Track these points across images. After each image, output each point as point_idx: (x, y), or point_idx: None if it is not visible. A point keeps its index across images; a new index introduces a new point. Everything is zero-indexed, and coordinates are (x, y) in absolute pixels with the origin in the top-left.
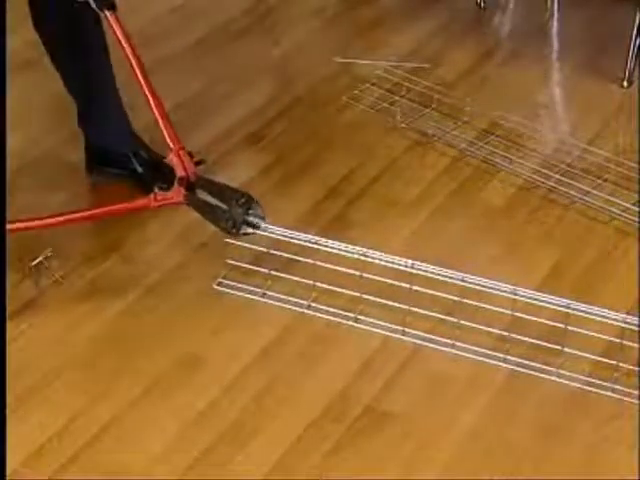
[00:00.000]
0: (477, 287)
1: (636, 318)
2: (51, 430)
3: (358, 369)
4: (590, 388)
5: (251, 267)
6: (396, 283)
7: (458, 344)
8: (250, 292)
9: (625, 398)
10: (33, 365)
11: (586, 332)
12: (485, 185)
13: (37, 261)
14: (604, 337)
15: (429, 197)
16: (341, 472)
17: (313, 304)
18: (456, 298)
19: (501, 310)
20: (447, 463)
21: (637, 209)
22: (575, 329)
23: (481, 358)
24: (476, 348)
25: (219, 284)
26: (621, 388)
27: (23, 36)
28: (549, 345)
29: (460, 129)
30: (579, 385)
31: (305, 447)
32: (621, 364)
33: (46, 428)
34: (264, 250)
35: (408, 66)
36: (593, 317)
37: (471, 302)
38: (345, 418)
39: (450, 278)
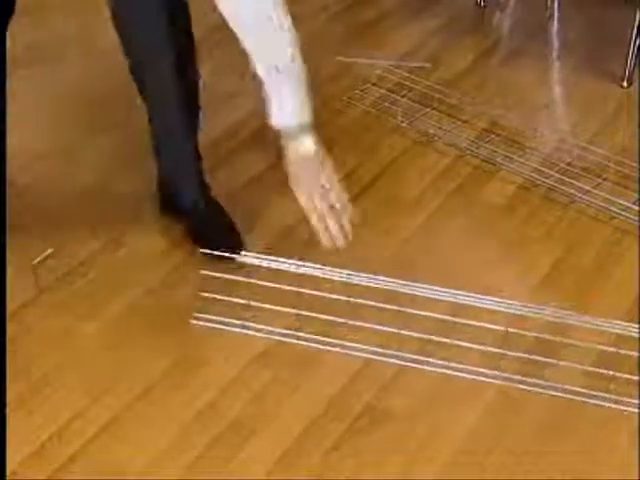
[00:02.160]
0: (469, 303)
1: (633, 325)
2: (51, 429)
3: (359, 368)
4: (589, 400)
5: (229, 299)
6: (384, 306)
7: (451, 364)
8: (229, 324)
9: (625, 408)
10: (34, 364)
11: (581, 344)
12: (485, 184)
13: (38, 260)
14: (600, 347)
15: (430, 196)
16: (341, 471)
17: (297, 333)
18: (448, 318)
19: (495, 327)
20: (447, 462)
21: (637, 208)
22: (570, 341)
23: (476, 376)
24: (471, 367)
25: (196, 318)
26: (619, 398)
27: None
28: (543, 359)
29: (460, 128)
30: (578, 398)
31: (305, 446)
32: (618, 374)
33: (47, 427)
34: (245, 280)
35: (409, 66)
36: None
37: (464, 321)
38: (345, 417)
39: (441, 295)
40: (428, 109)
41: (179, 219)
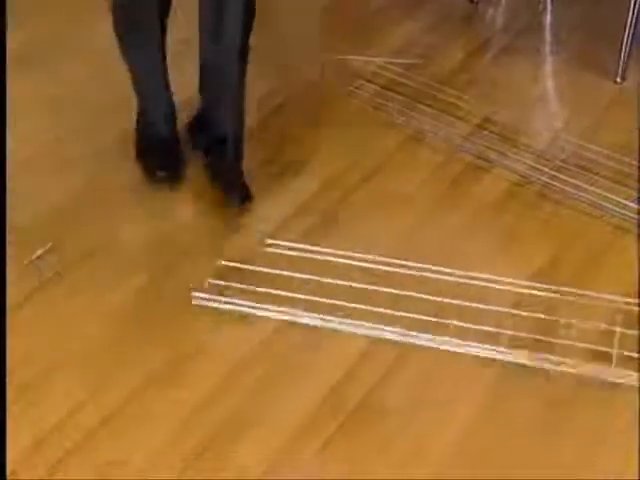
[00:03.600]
0: (468, 282)
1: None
2: (50, 424)
3: (353, 364)
4: (590, 372)
5: (236, 285)
6: (382, 289)
7: (454, 340)
8: (231, 306)
9: (624, 381)
10: (33, 359)
11: (579, 324)
12: (479, 181)
13: (37, 255)
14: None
15: (424, 193)
16: (336, 466)
17: (300, 315)
18: (453, 301)
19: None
20: (442, 458)
21: (631, 204)
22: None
23: (478, 351)
24: (471, 347)
25: (199, 298)
26: (615, 380)
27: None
28: (543, 338)
29: (454, 125)
30: (576, 371)
31: (300, 442)
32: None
33: (46, 422)
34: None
35: (403, 62)
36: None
37: (465, 303)
38: (340, 413)
39: (444, 275)
40: (422, 106)
41: (205, 154)
